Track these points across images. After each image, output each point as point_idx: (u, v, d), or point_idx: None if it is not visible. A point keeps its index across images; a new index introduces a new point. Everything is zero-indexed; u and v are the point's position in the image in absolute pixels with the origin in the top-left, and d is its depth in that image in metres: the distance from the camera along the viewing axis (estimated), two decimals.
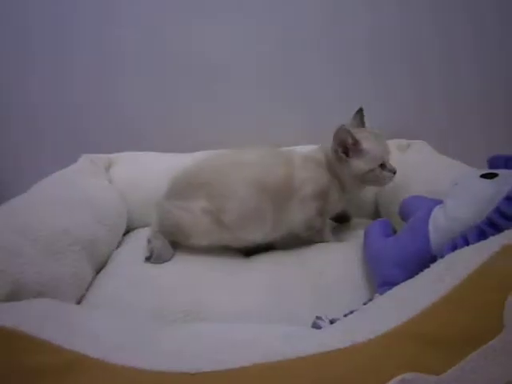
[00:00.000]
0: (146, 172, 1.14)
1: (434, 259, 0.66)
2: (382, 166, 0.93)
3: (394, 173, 0.94)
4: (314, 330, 0.66)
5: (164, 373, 0.55)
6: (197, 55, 1.23)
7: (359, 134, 0.93)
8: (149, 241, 0.95)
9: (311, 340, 0.58)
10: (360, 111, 1.01)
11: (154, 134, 1.25)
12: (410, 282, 0.63)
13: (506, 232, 0.58)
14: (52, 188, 0.94)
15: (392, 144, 1.20)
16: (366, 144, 0.92)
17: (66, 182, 0.98)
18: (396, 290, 0.63)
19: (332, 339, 0.56)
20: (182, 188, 0.94)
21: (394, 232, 0.85)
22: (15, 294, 0.66)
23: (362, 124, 1.01)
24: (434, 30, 1.24)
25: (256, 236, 0.93)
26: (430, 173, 0.99)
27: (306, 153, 1.02)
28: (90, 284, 0.86)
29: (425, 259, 0.67)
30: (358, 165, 0.93)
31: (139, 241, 1.00)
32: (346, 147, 0.92)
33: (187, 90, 1.25)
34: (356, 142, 0.91)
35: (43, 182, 0.96)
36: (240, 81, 1.25)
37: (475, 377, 0.53)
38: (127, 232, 1.11)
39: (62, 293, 0.75)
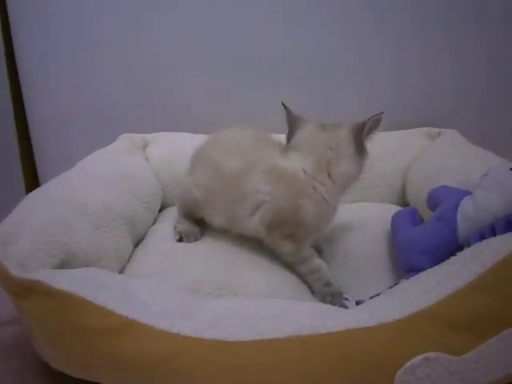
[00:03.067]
0: (179, 152, 1.18)
1: (460, 248, 0.69)
2: None
3: None
4: (341, 309, 0.70)
5: (204, 340, 0.60)
6: (238, 44, 1.25)
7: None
8: (174, 227, 0.99)
9: (339, 317, 0.62)
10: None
11: (190, 116, 1.29)
12: (436, 268, 0.66)
13: None
14: (95, 165, 0.99)
15: (422, 132, 1.22)
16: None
17: (107, 160, 1.03)
18: (423, 275, 0.66)
19: (360, 318, 0.60)
20: (192, 164, 0.98)
21: (422, 221, 0.87)
22: (66, 263, 0.72)
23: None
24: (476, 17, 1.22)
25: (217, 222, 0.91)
26: (461, 162, 0.99)
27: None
28: (130, 257, 0.93)
29: (452, 248, 0.70)
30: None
31: (173, 218, 1.06)
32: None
33: (226, 77, 1.28)
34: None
35: (87, 159, 1.02)
36: (277, 69, 1.27)
37: (494, 360, 0.57)
38: (161, 210, 1.16)
39: (106, 264, 0.81)
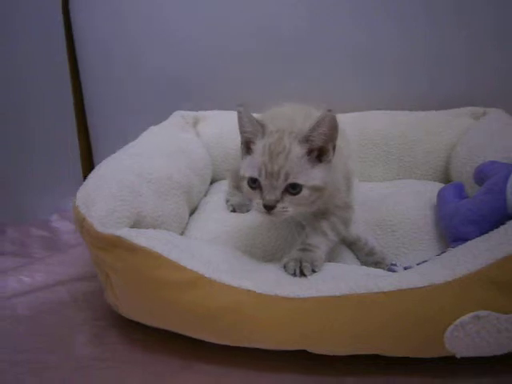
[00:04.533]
0: (228, 130, 1.24)
1: (509, 218, 0.72)
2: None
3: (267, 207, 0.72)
4: (391, 272, 0.75)
5: (265, 295, 0.66)
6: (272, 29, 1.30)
7: None
8: (227, 200, 1.05)
9: (391, 279, 0.67)
10: None
11: (239, 95, 1.34)
12: (485, 236, 0.70)
13: None
14: (154, 140, 1.07)
15: (466, 111, 1.23)
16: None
17: (165, 135, 1.10)
18: (471, 243, 0.70)
19: (411, 279, 0.65)
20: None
21: (467, 196, 0.89)
22: (137, 225, 0.80)
23: None
24: None
25: None
26: (507, 140, 1.00)
27: None
28: (186, 224, 1.00)
29: (499, 219, 0.73)
30: None
31: (223, 191, 1.12)
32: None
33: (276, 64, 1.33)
34: None
35: (146, 134, 1.09)
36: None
37: None
38: (211, 183, 1.23)
39: (168, 228, 0.88)
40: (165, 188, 0.91)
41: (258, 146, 0.75)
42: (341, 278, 0.68)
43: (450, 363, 0.67)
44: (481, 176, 0.85)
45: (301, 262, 0.72)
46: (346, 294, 0.65)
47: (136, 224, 0.79)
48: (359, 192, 1.04)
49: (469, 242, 0.71)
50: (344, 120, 1.21)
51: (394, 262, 0.80)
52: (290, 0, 1.28)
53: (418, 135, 1.21)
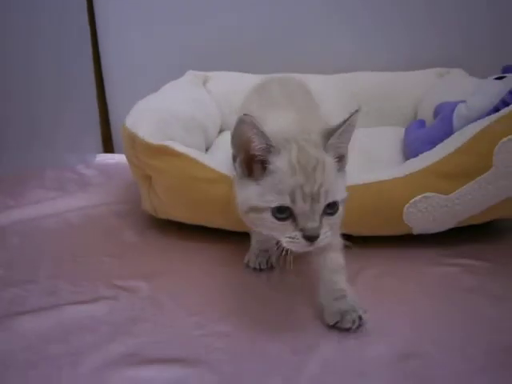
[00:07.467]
0: (235, 88, 1.45)
1: None
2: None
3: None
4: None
5: None
6: None
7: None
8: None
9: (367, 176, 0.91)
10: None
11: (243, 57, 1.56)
12: (433, 148, 0.94)
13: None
14: (175, 90, 1.29)
15: (433, 71, 1.47)
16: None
17: (183, 88, 1.33)
18: (425, 152, 0.95)
19: (381, 176, 0.89)
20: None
21: None
22: None
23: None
24: None
25: None
26: (461, 91, 1.24)
27: None
28: None
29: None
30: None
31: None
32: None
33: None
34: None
35: (166, 87, 1.30)
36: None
37: (470, 197, 0.86)
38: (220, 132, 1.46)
39: None
40: (189, 125, 1.14)
41: (280, 164, 0.60)
42: None
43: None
44: (436, 111, 1.10)
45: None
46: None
47: None
48: None
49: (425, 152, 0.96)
50: (335, 81, 1.47)
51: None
52: None
53: (394, 91, 1.46)
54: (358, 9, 1.51)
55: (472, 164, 0.85)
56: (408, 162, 0.96)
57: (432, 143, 1.00)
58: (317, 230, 0.58)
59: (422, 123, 1.15)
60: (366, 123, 1.45)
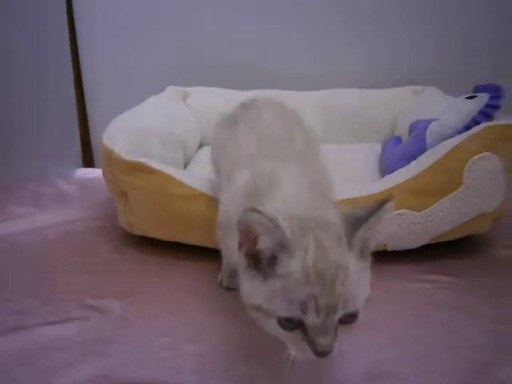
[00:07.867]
0: (213, 103, 1.47)
1: None
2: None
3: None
4: None
5: None
6: None
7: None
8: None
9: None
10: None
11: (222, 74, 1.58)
12: (407, 165, 0.96)
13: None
14: (153, 105, 1.29)
15: (408, 89, 1.51)
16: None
17: (163, 103, 1.33)
18: (399, 170, 0.96)
19: (358, 192, 0.90)
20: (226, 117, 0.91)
21: None
22: None
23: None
24: None
25: None
26: (435, 110, 1.27)
27: None
28: None
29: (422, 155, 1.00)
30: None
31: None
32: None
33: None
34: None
35: (147, 101, 1.30)
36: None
37: (442, 214, 0.88)
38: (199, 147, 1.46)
39: None
40: (167, 140, 1.14)
41: (293, 269, 0.50)
42: None
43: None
44: (411, 129, 1.12)
45: None
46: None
47: None
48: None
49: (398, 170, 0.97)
50: (314, 97, 1.49)
51: None
52: None
53: (373, 109, 1.49)
54: (335, 26, 1.55)
55: (444, 181, 0.87)
56: (384, 178, 0.97)
57: (407, 160, 1.02)
58: (330, 345, 0.49)
59: (398, 140, 1.17)
60: (343, 139, 1.48)
